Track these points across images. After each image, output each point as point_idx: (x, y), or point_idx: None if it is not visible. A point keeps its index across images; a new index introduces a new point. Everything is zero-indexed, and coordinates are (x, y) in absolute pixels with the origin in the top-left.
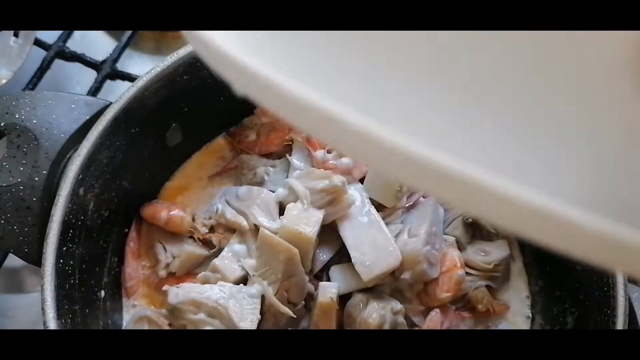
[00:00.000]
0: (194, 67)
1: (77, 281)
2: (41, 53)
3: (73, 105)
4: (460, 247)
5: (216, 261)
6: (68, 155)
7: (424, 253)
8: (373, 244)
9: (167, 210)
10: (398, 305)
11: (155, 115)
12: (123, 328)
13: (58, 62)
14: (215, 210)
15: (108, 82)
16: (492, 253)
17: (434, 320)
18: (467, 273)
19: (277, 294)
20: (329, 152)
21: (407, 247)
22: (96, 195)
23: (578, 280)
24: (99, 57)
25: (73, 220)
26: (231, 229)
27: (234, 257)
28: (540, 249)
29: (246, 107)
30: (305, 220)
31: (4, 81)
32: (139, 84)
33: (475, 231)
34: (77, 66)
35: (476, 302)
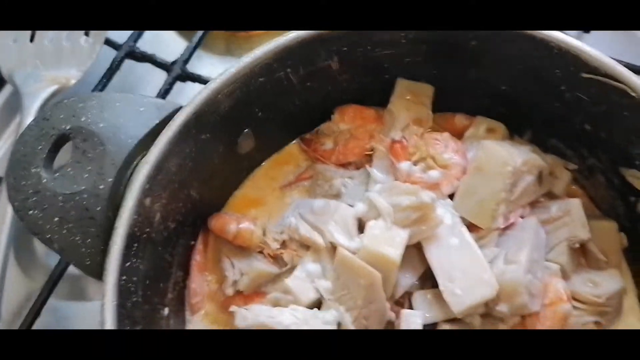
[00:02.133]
0: (270, 68)
1: (140, 299)
2: (112, 53)
3: (142, 109)
4: (565, 276)
5: (288, 281)
6: (135, 162)
7: (525, 283)
8: (464, 270)
9: (236, 223)
10: None
11: (228, 119)
12: None
13: (128, 63)
14: (288, 225)
15: (178, 84)
16: (602, 284)
17: None
18: (573, 307)
19: (355, 321)
20: (415, 164)
21: (505, 275)
22: (163, 205)
23: None
24: (170, 57)
25: (138, 233)
26: (305, 246)
27: (307, 277)
28: None
29: (323, 112)
30: (389, 241)
31: (73, 81)
32: (212, 85)
33: (581, 257)
34: (147, 67)
35: None
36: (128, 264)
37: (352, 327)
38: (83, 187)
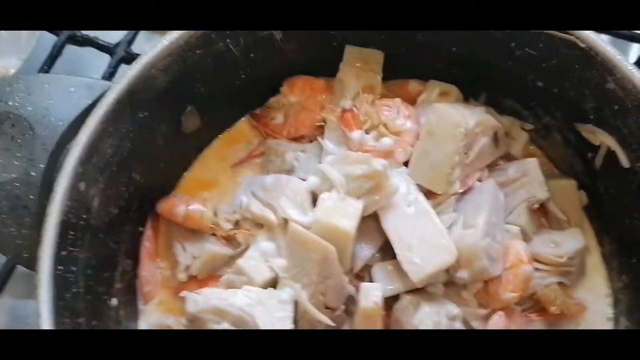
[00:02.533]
0: (208, 39)
1: (81, 290)
2: (53, 39)
3: (72, 89)
4: (526, 237)
5: (241, 262)
6: (68, 146)
7: (483, 247)
8: (422, 238)
9: (185, 205)
10: (455, 310)
11: (166, 97)
12: None
13: (71, 48)
14: (239, 204)
15: (124, 67)
16: (564, 244)
17: (497, 325)
18: (535, 269)
19: (312, 298)
20: (367, 132)
21: (463, 240)
22: (101, 190)
23: None
24: (114, 40)
25: (74, 220)
26: (259, 225)
27: (261, 256)
28: (626, 238)
29: (271, 86)
30: (342, 212)
31: (12, 70)
32: (144, 60)
33: (542, 218)
34: (92, 52)
35: (547, 302)
36: (64, 252)
37: (310, 305)
38: (14, 175)
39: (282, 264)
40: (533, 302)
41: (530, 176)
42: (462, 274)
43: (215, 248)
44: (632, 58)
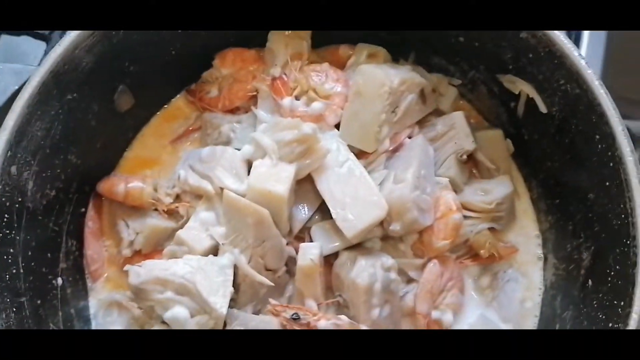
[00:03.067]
0: None
1: (21, 270)
2: None
3: None
4: (456, 188)
5: (181, 232)
6: None
7: (412, 199)
8: (354, 196)
9: (124, 183)
10: (389, 261)
11: (94, 77)
12: (91, 315)
13: (7, 38)
14: (177, 177)
15: None
16: (493, 191)
17: (432, 273)
18: (465, 217)
19: (250, 261)
20: (297, 98)
21: (393, 194)
22: (35, 173)
23: (591, 209)
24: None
25: (8, 204)
26: (198, 196)
27: (201, 226)
28: (549, 180)
29: (204, 60)
30: (275, 177)
31: None
32: (66, 42)
33: (473, 169)
34: (28, 40)
35: (478, 247)
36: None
37: (248, 268)
38: None
39: (221, 231)
40: (466, 249)
41: (457, 129)
42: (395, 227)
43: (156, 222)
44: None
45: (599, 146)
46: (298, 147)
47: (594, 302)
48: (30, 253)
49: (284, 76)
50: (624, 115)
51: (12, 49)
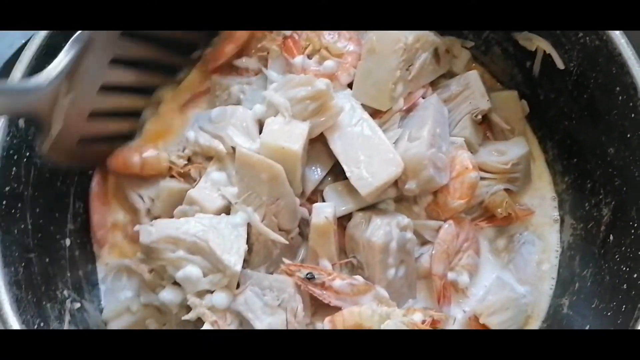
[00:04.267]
0: None
1: (29, 226)
2: None
3: None
4: (472, 149)
5: (192, 192)
6: None
7: (428, 156)
8: (369, 154)
9: (138, 154)
10: (405, 220)
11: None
12: (99, 279)
13: None
14: (187, 139)
15: None
16: (508, 152)
17: (448, 233)
18: (481, 178)
19: (264, 219)
20: (309, 57)
21: (408, 152)
22: None
23: (611, 164)
24: None
25: (15, 157)
26: (209, 158)
27: (213, 186)
28: (565, 140)
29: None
30: (288, 134)
31: None
32: None
33: (487, 131)
34: None
35: (494, 207)
36: (7, 188)
37: (262, 226)
38: None
39: (233, 191)
40: (482, 211)
41: (471, 88)
42: (411, 185)
43: (171, 184)
44: None
45: (620, 98)
46: (311, 104)
47: (616, 256)
48: (38, 210)
49: (295, 35)
50: None
51: None
